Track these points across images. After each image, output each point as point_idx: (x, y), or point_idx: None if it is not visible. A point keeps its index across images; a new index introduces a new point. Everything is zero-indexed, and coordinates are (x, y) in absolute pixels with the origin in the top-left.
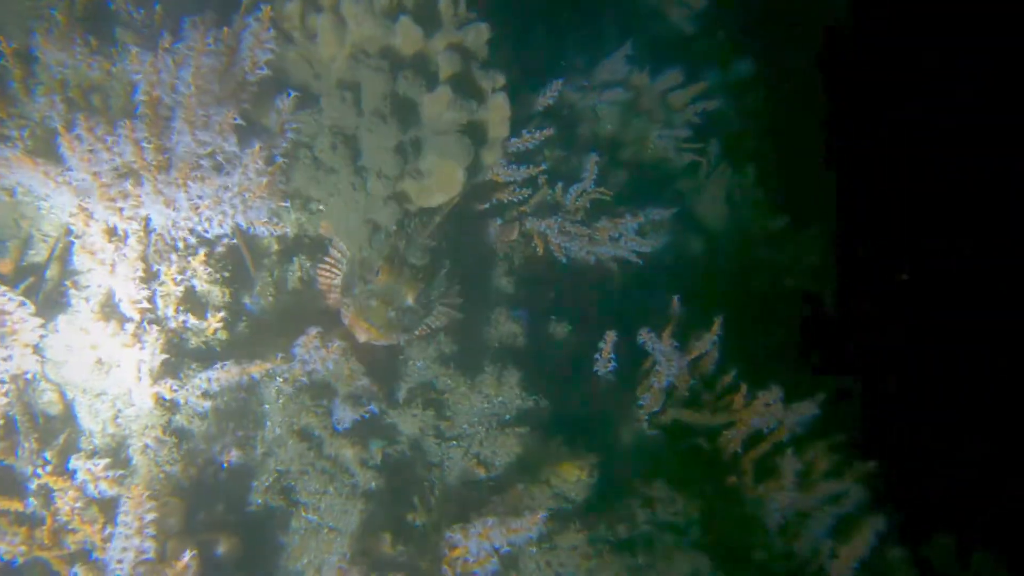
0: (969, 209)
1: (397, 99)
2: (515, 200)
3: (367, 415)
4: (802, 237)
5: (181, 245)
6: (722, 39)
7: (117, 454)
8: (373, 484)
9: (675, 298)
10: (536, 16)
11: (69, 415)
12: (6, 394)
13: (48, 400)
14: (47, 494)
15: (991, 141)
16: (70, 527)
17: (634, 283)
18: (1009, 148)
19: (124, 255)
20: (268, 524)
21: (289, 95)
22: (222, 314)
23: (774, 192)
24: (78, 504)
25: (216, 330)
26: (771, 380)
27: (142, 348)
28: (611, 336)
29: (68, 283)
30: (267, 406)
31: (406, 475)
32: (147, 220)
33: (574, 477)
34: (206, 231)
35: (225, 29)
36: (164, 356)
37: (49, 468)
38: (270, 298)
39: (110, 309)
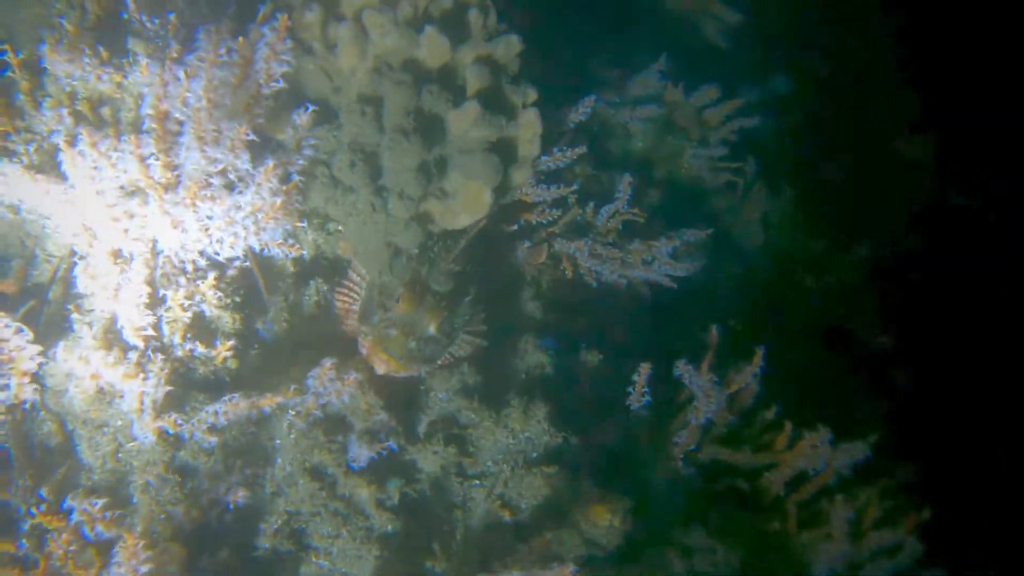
0: None
1: (421, 115)
2: (544, 221)
3: (384, 452)
4: (842, 260)
5: (190, 268)
6: (757, 54)
7: (117, 492)
8: (390, 527)
9: (713, 328)
10: (566, 27)
11: (69, 447)
12: (2, 425)
13: (47, 431)
14: (41, 535)
15: None
16: (64, 572)
17: (667, 308)
18: None
19: (129, 279)
20: (276, 570)
21: (307, 109)
22: (232, 342)
23: (813, 213)
24: (73, 547)
25: (225, 359)
26: (811, 408)
27: (146, 379)
28: (645, 369)
29: (71, 307)
30: (278, 441)
31: (425, 517)
32: (154, 242)
33: (605, 522)
34: (216, 253)
35: (240, 39)
36: (169, 388)
37: (44, 507)
38: (284, 324)
39: (113, 336)
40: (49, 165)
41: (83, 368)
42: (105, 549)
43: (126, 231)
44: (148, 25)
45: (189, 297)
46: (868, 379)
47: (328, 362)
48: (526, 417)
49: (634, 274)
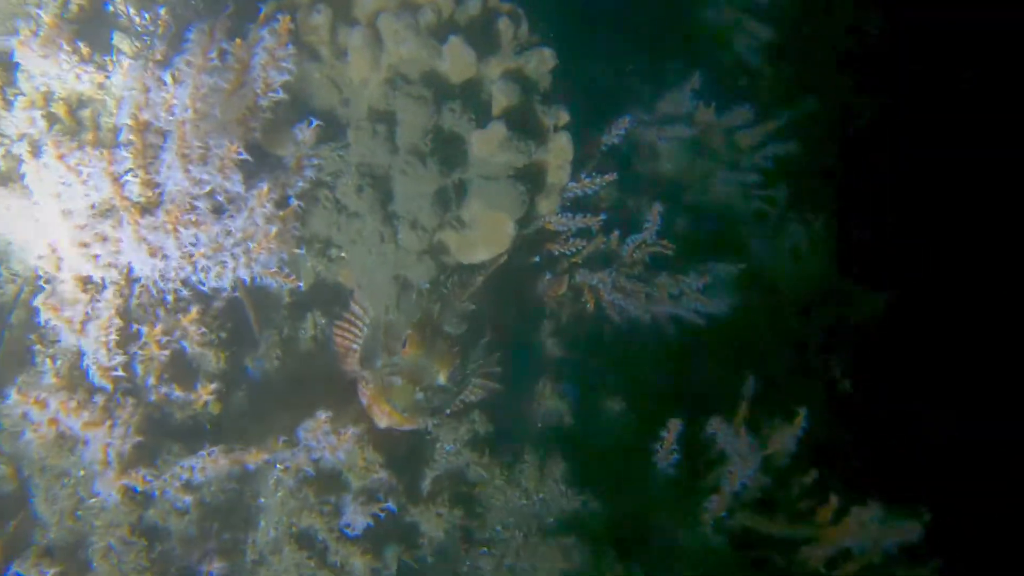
0: None
1: (440, 135)
2: (567, 252)
3: (383, 514)
4: (878, 296)
5: (171, 299)
6: (789, 73)
7: (75, 554)
8: None
9: (750, 378)
10: (594, 41)
11: (24, 495)
12: None
13: (0, 475)
14: None
15: None
16: None
17: (694, 345)
18: None
19: (98, 311)
20: None
21: (310, 124)
22: (215, 384)
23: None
24: None
25: (207, 403)
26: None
27: (113, 427)
28: (675, 426)
29: (34, 336)
30: (263, 500)
31: None
32: (129, 269)
33: None
34: (201, 283)
35: (237, 41)
36: (139, 438)
37: None
38: (276, 361)
39: (78, 375)
40: (16, 175)
41: (40, 413)
42: None
43: (97, 256)
44: (137, 20)
45: (168, 332)
46: None
47: (323, 415)
48: (541, 476)
49: (660, 309)
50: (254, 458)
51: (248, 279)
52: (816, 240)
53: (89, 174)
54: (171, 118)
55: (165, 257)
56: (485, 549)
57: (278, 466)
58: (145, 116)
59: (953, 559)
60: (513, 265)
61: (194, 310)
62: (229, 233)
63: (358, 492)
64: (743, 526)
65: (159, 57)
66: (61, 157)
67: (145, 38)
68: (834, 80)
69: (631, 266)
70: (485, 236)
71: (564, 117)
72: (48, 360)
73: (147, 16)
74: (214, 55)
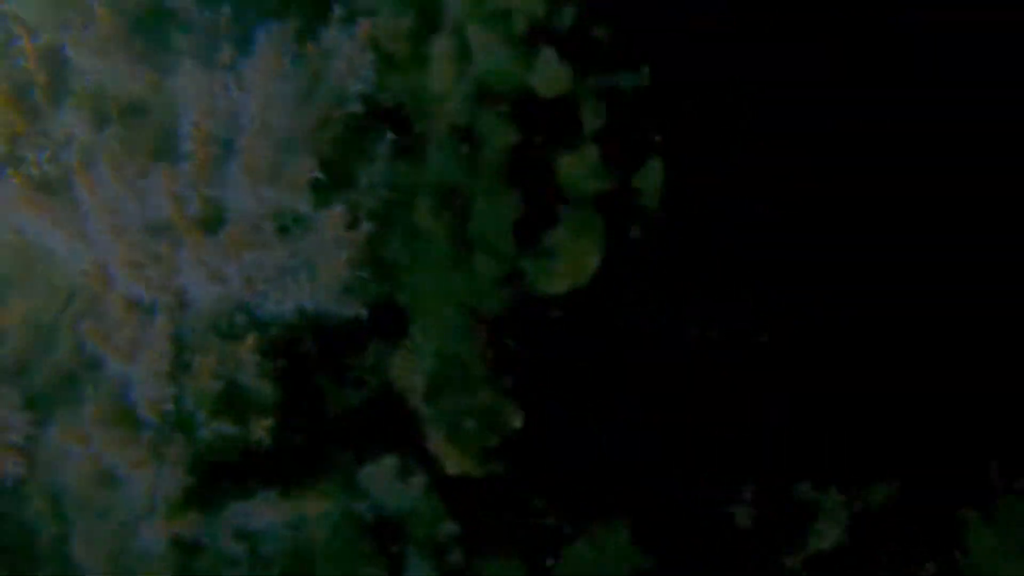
0: None
1: (526, 155)
2: None
3: (450, 571)
4: None
5: (225, 327)
6: None
7: None
8: None
9: None
10: None
11: (61, 534)
12: None
13: (35, 511)
14: None
15: None
16: None
17: None
18: None
19: (148, 337)
20: None
21: (385, 139)
22: (270, 420)
23: None
24: None
25: (261, 439)
26: None
27: (161, 466)
28: None
29: (77, 361)
30: (320, 549)
31: None
32: (183, 293)
33: None
34: (261, 310)
35: (309, 46)
36: (188, 479)
37: None
38: (334, 394)
39: (123, 408)
40: (61, 182)
41: (82, 448)
42: None
43: (149, 278)
44: (197, 17)
45: (222, 362)
46: None
47: (388, 459)
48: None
49: None
50: (313, 504)
51: (311, 306)
52: None
53: (146, 188)
54: (237, 129)
55: (224, 281)
56: None
57: (337, 513)
58: (209, 125)
59: None
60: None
61: (251, 338)
62: (294, 257)
63: (423, 543)
64: None
65: (226, 60)
66: (117, 167)
67: (206, 38)
68: None
69: None
70: (568, 267)
71: (657, 139)
72: (91, 388)
73: (208, 14)
74: (287, 61)
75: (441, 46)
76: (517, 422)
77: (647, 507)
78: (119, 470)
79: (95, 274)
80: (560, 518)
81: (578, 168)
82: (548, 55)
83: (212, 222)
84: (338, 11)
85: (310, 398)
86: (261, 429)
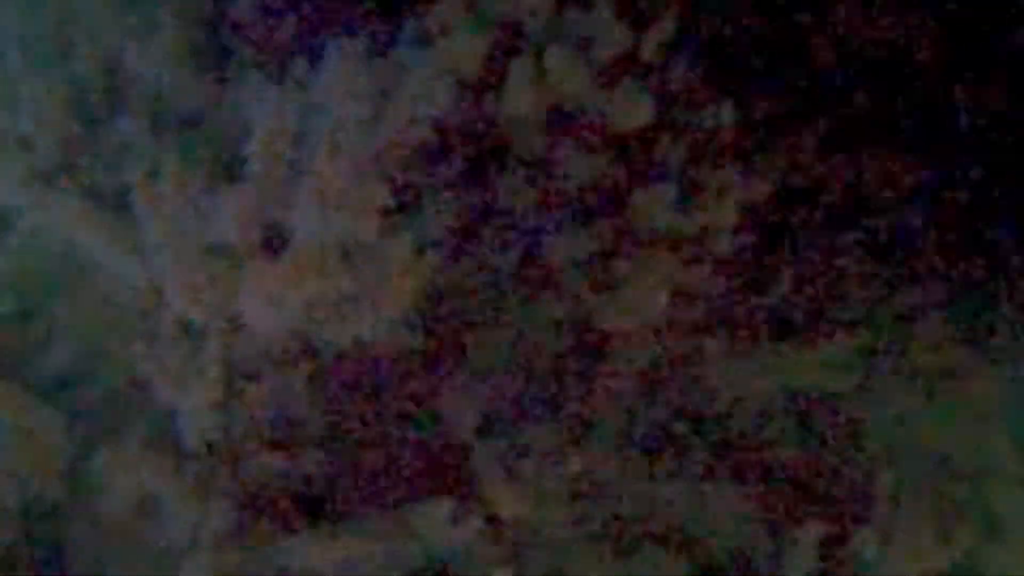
0: None
1: (602, 189)
2: None
3: None
4: None
5: (280, 354)
6: None
7: None
8: None
9: None
10: None
11: (101, 563)
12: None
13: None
14: None
15: None
16: None
17: None
18: None
19: (199, 362)
20: None
21: (453, 164)
22: (320, 454)
23: None
24: None
25: (311, 474)
26: None
27: (206, 501)
28: None
29: (124, 383)
30: None
31: None
32: (238, 317)
33: None
34: (317, 339)
35: (383, 65)
36: (235, 513)
37: None
38: (387, 426)
39: (170, 437)
40: (113, 192)
41: (126, 477)
42: None
43: (205, 301)
44: (260, 26)
45: (274, 391)
46: None
47: (443, 500)
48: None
49: None
50: (360, 544)
51: (370, 335)
52: None
53: (209, 207)
54: (304, 151)
55: (282, 307)
56: None
57: (388, 557)
58: (279, 146)
59: None
60: None
61: (306, 366)
62: (357, 284)
63: None
64: None
65: (299, 77)
66: (180, 184)
67: (273, 50)
68: None
69: None
70: (633, 304)
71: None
72: (139, 413)
73: (272, 22)
74: (361, 80)
75: (519, 70)
76: (577, 465)
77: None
78: (163, 501)
79: (148, 293)
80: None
81: (653, 205)
82: (630, 86)
83: (276, 246)
84: (410, 28)
85: (361, 431)
86: (311, 463)
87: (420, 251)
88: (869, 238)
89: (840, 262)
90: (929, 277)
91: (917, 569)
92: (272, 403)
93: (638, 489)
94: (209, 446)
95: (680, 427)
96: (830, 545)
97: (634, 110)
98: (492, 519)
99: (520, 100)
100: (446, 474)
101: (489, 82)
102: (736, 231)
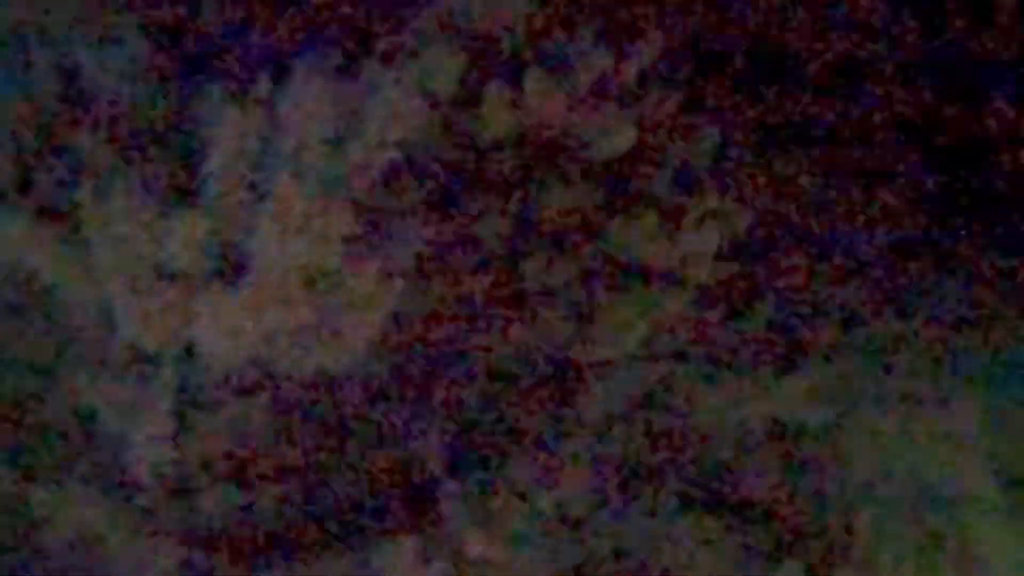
0: None
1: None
2: None
3: None
4: None
5: (238, 383)
6: None
7: None
8: None
9: None
10: None
11: None
12: None
13: None
14: None
15: None
16: None
17: None
18: None
19: (151, 393)
20: None
21: (423, 188)
22: (282, 487)
23: None
24: None
25: (270, 510)
26: None
27: (156, 537)
28: None
29: (72, 414)
30: None
31: None
32: (193, 345)
33: None
34: (278, 368)
35: (351, 84)
36: (185, 553)
37: None
38: (346, 461)
39: (122, 468)
40: (71, 212)
41: (67, 515)
42: None
43: (157, 327)
44: (225, 39)
45: (233, 423)
46: None
47: (409, 540)
48: None
49: None
50: None
51: (334, 368)
52: None
53: (163, 231)
54: (270, 173)
55: (240, 336)
56: None
57: None
58: (240, 169)
59: None
60: None
61: (265, 396)
62: (320, 313)
63: None
64: None
65: (263, 95)
66: (132, 207)
67: (241, 68)
68: None
69: None
70: (609, 336)
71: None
72: (86, 446)
73: (242, 39)
74: (326, 100)
75: (495, 92)
76: (548, 501)
77: None
78: (108, 539)
79: (99, 318)
80: None
81: (631, 233)
82: (610, 110)
83: (233, 273)
84: (381, 45)
85: (323, 464)
86: (268, 499)
87: (387, 279)
88: (849, 265)
89: (819, 289)
90: (906, 304)
91: None
92: (228, 435)
93: (612, 525)
94: (160, 480)
95: (656, 459)
96: None
97: (615, 135)
98: (459, 559)
99: (496, 123)
100: (412, 511)
101: (463, 103)
102: (716, 258)
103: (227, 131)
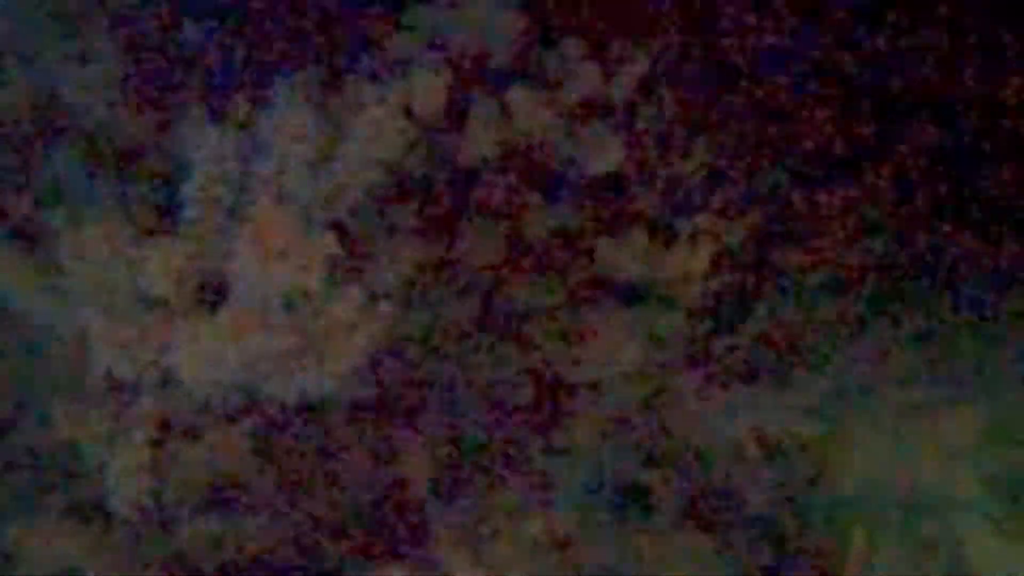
0: None
1: (567, 236)
2: None
3: None
4: None
5: (220, 409)
6: None
7: None
8: None
9: None
10: None
11: None
12: None
13: None
14: None
15: None
16: None
17: None
18: None
19: (128, 422)
20: None
21: (408, 210)
22: (263, 517)
23: None
24: None
25: (250, 537)
26: None
27: (133, 569)
28: None
29: (47, 447)
30: None
31: None
32: (170, 371)
33: None
34: (259, 392)
35: (333, 103)
36: None
37: None
38: (331, 487)
39: (99, 500)
40: (46, 235)
41: (44, 550)
42: None
43: (134, 355)
44: (205, 58)
45: (215, 451)
46: None
47: (396, 567)
48: None
49: None
50: None
51: (316, 391)
52: None
53: (142, 258)
54: (247, 197)
55: (220, 363)
56: None
57: None
58: (217, 190)
59: None
60: None
61: (248, 422)
62: (302, 337)
63: None
64: None
65: (242, 117)
66: (108, 233)
67: (222, 84)
68: None
69: None
70: (600, 357)
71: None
72: (62, 477)
73: (225, 56)
74: (309, 120)
75: (481, 110)
76: (538, 524)
77: None
78: (86, 573)
79: (75, 345)
80: None
81: (619, 254)
82: (599, 128)
83: (214, 298)
84: (364, 63)
85: (307, 490)
86: (252, 529)
87: (371, 302)
88: (838, 276)
89: (811, 300)
90: (896, 314)
91: None
92: (210, 464)
93: (603, 544)
94: (139, 511)
95: (648, 476)
96: None
97: (603, 153)
98: None
99: (482, 142)
100: (399, 537)
101: (448, 122)
102: (708, 276)
103: (206, 153)
